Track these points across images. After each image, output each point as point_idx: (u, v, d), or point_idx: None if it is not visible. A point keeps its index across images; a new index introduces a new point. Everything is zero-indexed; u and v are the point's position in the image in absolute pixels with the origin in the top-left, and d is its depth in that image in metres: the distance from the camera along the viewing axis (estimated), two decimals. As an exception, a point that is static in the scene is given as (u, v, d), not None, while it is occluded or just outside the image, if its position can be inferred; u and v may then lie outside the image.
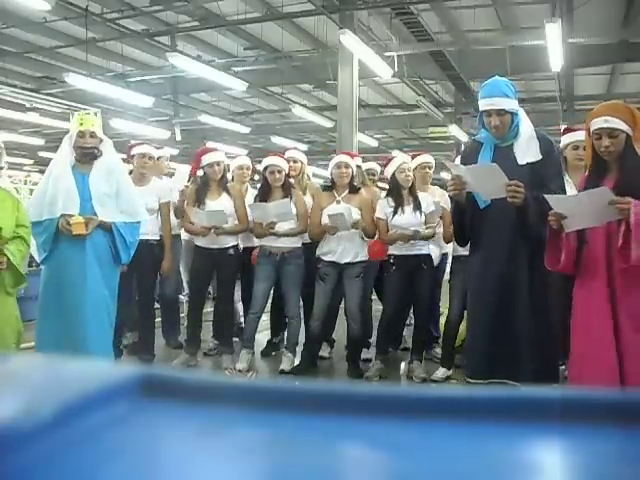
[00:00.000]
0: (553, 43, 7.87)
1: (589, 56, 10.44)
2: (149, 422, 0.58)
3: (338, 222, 4.14)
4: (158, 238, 4.51)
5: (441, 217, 4.33)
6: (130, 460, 0.51)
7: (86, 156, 3.55)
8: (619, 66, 12.18)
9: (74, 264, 3.47)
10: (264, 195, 4.45)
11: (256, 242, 4.64)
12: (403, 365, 4.77)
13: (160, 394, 0.60)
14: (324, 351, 4.90)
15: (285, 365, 4.42)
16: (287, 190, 4.40)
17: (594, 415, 0.54)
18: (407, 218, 4.19)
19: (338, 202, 4.28)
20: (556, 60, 8.62)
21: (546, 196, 2.59)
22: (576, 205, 2.55)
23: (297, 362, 4.47)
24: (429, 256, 4.28)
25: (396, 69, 9.75)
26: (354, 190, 4.36)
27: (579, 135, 3.57)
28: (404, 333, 5.10)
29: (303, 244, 4.48)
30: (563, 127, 7.36)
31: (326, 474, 0.49)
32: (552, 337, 2.86)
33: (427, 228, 4.21)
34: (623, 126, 2.55)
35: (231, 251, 4.46)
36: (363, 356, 4.60)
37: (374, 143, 17.45)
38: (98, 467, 0.49)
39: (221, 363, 4.57)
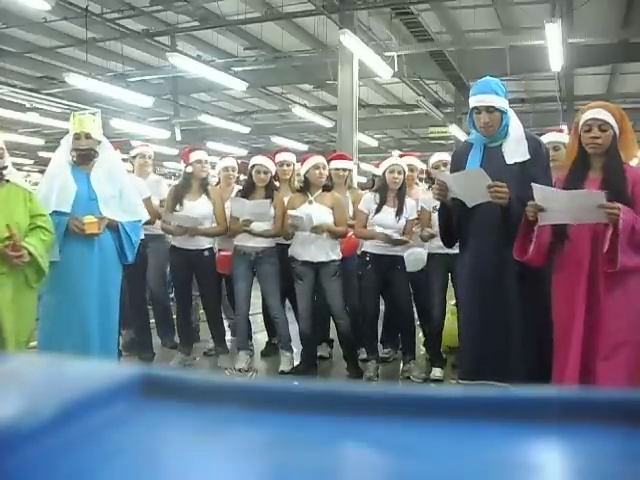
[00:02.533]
0: (553, 43, 7.87)
1: (589, 56, 10.45)
2: (148, 422, 0.58)
3: (297, 223, 4.17)
4: (143, 237, 4.47)
5: (418, 218, 4.34)
6: (130, 460, 0.51)
7: (82, 157, 3.56)
8: (619, 66, 12.19)
9: (81, 263, 3.46)
10: (246, 192, 4.46)
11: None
12: (402, 365, 4.77)
13: (159, 394, 0.60)
14: (324, 351, 4.89)
15: (284, 365, 4.42)
16: (270, 192, 4.42)
17: (593, 415, 0.54)
18: (387, 219, 4.20)
19: (310, 202, 4.28)
20: (556, 60, 8.63)
21: (533, 185, 2.60)
22: (564, 201, 2.57)
23: (296, 362, 4.47)
24: (403, 258, 4.29)
25: (396, 69, 9.75)
26: (327, 189, 4.37)
27: (550, 137, 3.65)
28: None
29: (280, 244, 4.48)
30: (564, 127, 7.37)
31: (326, 474, 0.49)
32: (544, 336, 2.85)
33: (404, 234, 4.21)
34: (613, 123, 2.64)
35: (206, 253, 4.49)
36: (362, 356, 4.60)
37: (374, 143, 17.47)
38: (98, 467, 0.49)
39: (219, 363, 4.57)
